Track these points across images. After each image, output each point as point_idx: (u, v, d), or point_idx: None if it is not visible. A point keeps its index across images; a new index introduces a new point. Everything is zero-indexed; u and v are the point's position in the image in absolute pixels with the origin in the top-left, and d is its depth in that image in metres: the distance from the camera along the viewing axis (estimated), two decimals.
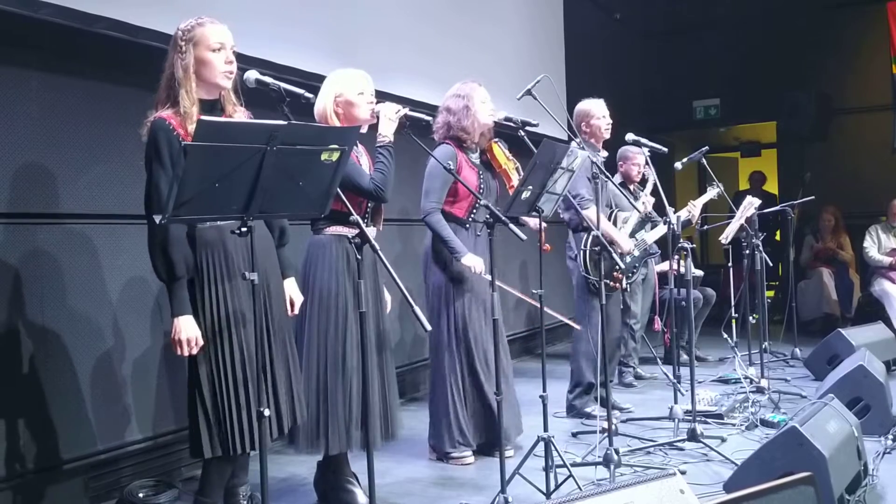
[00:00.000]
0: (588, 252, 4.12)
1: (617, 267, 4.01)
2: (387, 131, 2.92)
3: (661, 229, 4.74)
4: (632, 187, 5.15)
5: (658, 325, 5.41)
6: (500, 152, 3.58)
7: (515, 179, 3.51)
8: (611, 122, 4.34)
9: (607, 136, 4.33)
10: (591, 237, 4.06)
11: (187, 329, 2.32)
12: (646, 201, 4.56)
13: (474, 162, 3.57)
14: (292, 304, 2.73)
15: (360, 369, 2.85)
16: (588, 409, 4.20)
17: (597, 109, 4.31)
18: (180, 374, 2.95)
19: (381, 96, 3.32)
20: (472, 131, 3.50)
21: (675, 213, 4.34)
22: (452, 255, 3.43)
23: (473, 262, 3.40)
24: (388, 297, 3.12)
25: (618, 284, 4.17)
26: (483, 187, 3.52)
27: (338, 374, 2.86)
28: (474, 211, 3.52)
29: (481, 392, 3.51)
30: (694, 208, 5.06)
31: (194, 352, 2.34)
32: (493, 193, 3.60)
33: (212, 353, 2.38)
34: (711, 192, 5.23)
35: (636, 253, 4.43)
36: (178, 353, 2.34)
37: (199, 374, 2.37)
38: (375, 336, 2.96)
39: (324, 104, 2.91)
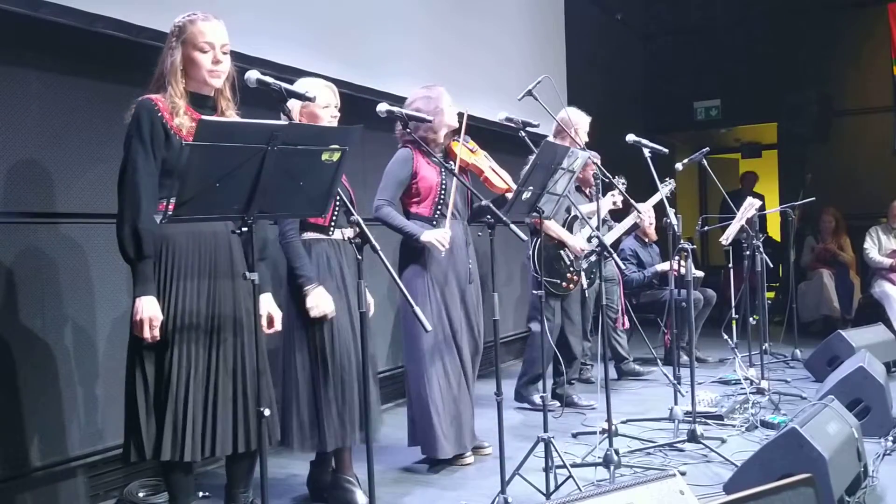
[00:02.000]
0: (537, 254, 4.26)
1: (572, 269, 4.43)
2: None
3: (617, 231, 5.05)
4: (587, 191, 5.03)
5: (626, 323, 5.38)
6: (462, 149, 3.56)
7: (487, 167, 3.53)
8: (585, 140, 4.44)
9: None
10: (539, 241, 4.24)
11: (148, 309, 2.28)
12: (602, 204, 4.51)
13: (434, 161, 3.45)
14: (271, 321, 2.62)
15: (351, 369, 2.89)
16: (533, 398, 4.54)
17: (585, 125, 4.46)
18: None
19: (382, 96, 3.33)
20: (440, 132, 3.51)
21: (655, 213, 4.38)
22: (411, 240, 3.37)
23: (433, 236, 3.33)
24: (370, 299, 3.11)
25: (572, 286, 4.46)
26: (444, 184, 3.47)
27: (326, 374, 2.87)
28: (439, 208, 3.49)
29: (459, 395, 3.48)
30: (644, 214, 4.94)
31: (156, 333, 2.29)
32: (451, 191, 3.47)
33: (162, 350, 2.32)
34: (664, 190, 5.04)
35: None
36: (139, 334, 2.28)
37: (144, 372, 2.32)
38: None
39: (290, 109, 2.88)
